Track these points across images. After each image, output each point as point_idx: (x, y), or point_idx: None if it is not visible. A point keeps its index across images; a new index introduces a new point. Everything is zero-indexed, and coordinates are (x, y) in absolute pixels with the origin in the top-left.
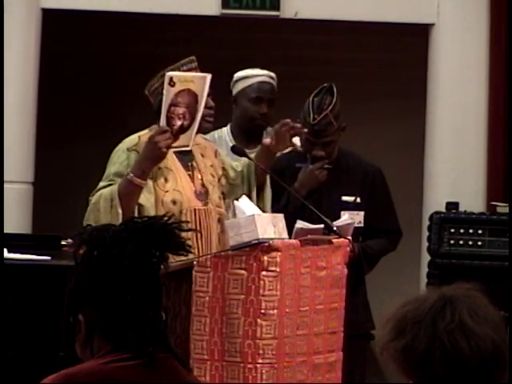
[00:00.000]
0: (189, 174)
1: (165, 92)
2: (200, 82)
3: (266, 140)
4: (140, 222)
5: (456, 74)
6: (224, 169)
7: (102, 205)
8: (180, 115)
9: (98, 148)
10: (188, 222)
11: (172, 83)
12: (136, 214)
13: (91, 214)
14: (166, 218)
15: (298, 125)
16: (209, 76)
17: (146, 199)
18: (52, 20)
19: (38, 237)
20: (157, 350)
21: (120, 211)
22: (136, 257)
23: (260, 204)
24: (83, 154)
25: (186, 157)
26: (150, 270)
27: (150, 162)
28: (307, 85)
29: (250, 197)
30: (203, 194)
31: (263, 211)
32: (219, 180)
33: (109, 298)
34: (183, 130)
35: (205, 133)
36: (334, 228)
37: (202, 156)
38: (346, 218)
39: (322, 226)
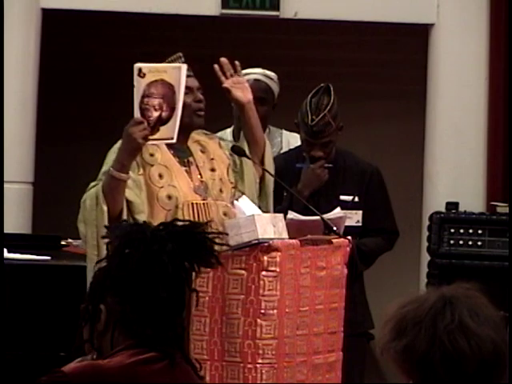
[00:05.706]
0: (185, 170)
1: (135, 83)
2: (174, 72)
3: None
4: (180, 225)
5: (456, 74)
6: (232, 155)
7: (88, 203)
8: (155, 106)
9: (98, 148)
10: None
11: (142, 74)
12: (125, 211)
13: (80, 214)
14: (206, 227)
15: None
16: (184, 66)
17: (135, 195)
18: (52, 20)
19: (37, 237)
20: (177, 354)
21: (105, 208)
22: (175, 257)
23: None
24: (83, 154)
25: (182, 153)
26: (184, 273)
27: (126, 154)
28: (307, 85)
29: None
30: (202, 189)
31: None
32: (228, 170)
33: (139, 294)
34: (162, 121)
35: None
36: (334, 228)
37: (202, 152)
38: (337, 211)
39: (314, 217)
